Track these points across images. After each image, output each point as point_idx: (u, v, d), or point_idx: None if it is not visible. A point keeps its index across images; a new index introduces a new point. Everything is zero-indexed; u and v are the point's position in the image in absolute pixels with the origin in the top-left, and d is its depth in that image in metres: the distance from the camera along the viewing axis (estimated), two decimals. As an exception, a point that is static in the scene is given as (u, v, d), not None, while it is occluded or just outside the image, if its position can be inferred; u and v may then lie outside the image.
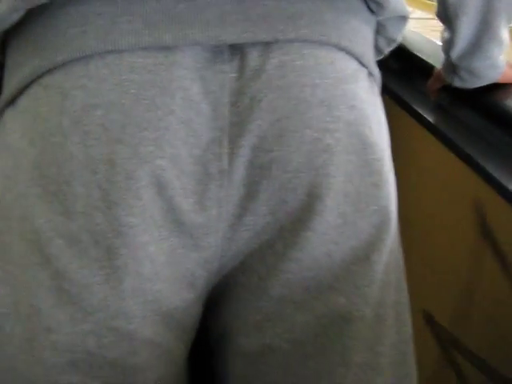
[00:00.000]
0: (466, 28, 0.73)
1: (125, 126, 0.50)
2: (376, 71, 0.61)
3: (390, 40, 0.66)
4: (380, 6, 0.59)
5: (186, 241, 0.54)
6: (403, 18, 0.63)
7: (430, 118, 0.89)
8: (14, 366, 0.55)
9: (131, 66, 0.50)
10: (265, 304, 0.58)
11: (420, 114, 0.91)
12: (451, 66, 0.81)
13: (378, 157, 0.57)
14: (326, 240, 0.56)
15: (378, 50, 0.65)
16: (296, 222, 0.55)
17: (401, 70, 1.03)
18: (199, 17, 0.51)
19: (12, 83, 0.54)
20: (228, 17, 0.51)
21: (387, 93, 0.97)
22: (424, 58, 0.98)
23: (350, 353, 0.58)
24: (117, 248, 0.52)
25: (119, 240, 0.52)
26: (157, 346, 0.57)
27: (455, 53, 0.77)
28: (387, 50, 0.68)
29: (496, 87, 0.81)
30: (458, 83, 0.82)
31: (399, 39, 0.66)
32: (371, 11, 0.60)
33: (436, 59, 0.90)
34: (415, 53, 1.02)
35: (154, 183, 0.51)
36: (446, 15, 0.75)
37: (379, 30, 0.63)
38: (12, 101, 0.54)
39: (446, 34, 0.78)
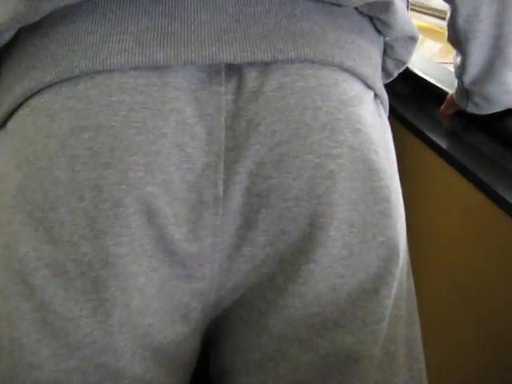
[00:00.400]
0: (478, 52, 0.70)
1: (114, 150, 0.47)
2: (383, 93, 0.58)
3: (399, 62, 0.63)
4: (387, 26, 0.56)
5: (179, 271, 0.51)
6: (412, 39, 0.60)
7: (443, 144, 0.87)
8: None
9: (122, 86, 0.47)
10: (266, 342, 0.55)
11: (432, 139, 0.89)
12: (464, 92, 0.78)
13: (385, 184, 0.53)
14: (331, 273, 0.52)
15: (386, 72, 0.63)
16: (297, 254, 0.52)
17: (411, 96, 1.01)
18: (194, 35, 0.48)
19: (3, 106, 0.52)
20: (225, 35, 0.49)
21: (397, 118, 0.95)
22: (435, 83, 0.96)
23: None
24: (104, 280, 0.49)
25: (107, 271, 0.49)
26: None
27: (468, 78, 0.74)
28: (396, 72, 0.65)
29: (510, 112, 0.78)
30: (471, 109, 0.79)
31: (408, 61, 0.63)
32: (378, 31, 0.57)
33: (447, 85, 0.88)
34: (426, 78, 0.99)
35: (144, 211, 0.48)
36: (457, 40, 0.72)
37: (387, 51, 0.60)
38: (3, 124, 0.52)
39: (458, 60, 0.75)
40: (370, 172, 0.52)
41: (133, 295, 0.50)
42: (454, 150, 0.86)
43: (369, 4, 0.54)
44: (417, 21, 1.55)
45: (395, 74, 0.65)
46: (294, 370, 0.54)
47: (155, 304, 0.52)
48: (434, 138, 0.89)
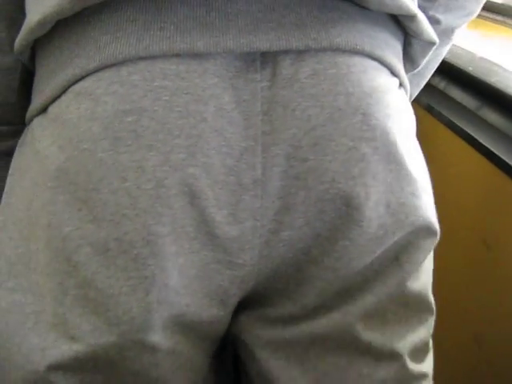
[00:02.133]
0: None
1: (156, 133, 0.49)
2: (406, 82, 0.61)
3: (413, 61, 0.65)
4: (409, 28, 0.59)
5: (220, 256, 0.53)
6: (430, 44, 0.62)
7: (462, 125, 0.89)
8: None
9: (164, 72, 0.49)
10: (298, 311, 0.58)
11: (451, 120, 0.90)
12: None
13: (416, 166, 0.56)
14: (365, 251, 0.55)
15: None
16: (334, 231, 0.54)
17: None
18: (231, 24, 0.50)
19: (44, 92, 0.53)
20: (261, 24, 0.51)
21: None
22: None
23: None
24: (144, 258, 0.51)
25: (147, 249, 0.50)
26: (178, 356, 0.56)
27: None
28: (408, 71, 0.67)
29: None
30: None
31: (420, 64, 0.66)
32: (400, 27, 0.59)
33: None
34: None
35: (186, 192, 0.50)
36: None
37: (405, 46, 0.62)
38: (43, 109, 0.53)
39: None
40: (401, 155, 0.55)
41: (171, 274, 0.52)
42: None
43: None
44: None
45: (407, 73, 0.67)
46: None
47: (194, 285, 0.53)
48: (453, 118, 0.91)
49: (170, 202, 0.50)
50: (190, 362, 0.58)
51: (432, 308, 0.62)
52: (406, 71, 0.66)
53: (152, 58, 0.49)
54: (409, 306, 0.59)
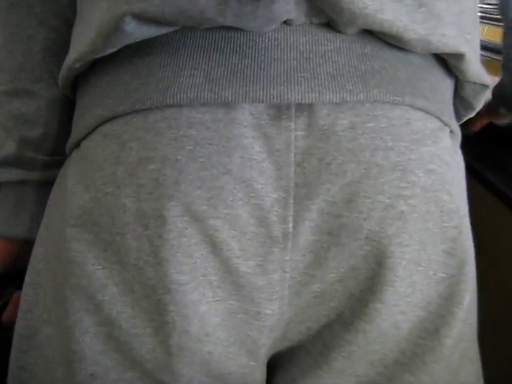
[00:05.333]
0: None
1: (178, 183, 0.48)
2: (457, 129, 0.56)
3: (467, 104, 0.59)
4: (458, 70, 0.54)
5: (248, 306, 0.52)
6: (483, 86, 0.57)
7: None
8: None
9: (189, 121, 0.48)
10: (324, 374, 0.55)
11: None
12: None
13: (456, 224, 0.52)
14: (395, 311, 0.52)
15: (456, 113, 0.59)
16: (365, 292, 0.51)
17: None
18: (263, 73, 0.48)
19: (78, 127, 0.54)
20: (294, 74, 0.48)
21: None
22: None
23: None
24: (166, 304, 0.50)
25: (168, 297, 0.50)
26: None
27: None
28: (464, 115, 0.61)
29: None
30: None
31: (477, 107, 0.60)
32: (450, 70, 0.55)
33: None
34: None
35: (208, 242, 0.49)
36: None
37: (457, 89, 0.57)
38: (77, 144, 0.54)
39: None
40: (441, 213, 0.51)
41: (192, 322, 0.51)
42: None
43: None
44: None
45: (463, 118, 0.62)
46: None
47: (218, 333, 0.52)
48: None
49: (191, 251, 0.49)
50: None
51: None
52: (461, 116, 0.61)
53: (179, 105, 0.48)
54: None
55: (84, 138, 0.53)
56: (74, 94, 0.58)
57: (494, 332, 0.78)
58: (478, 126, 0.93)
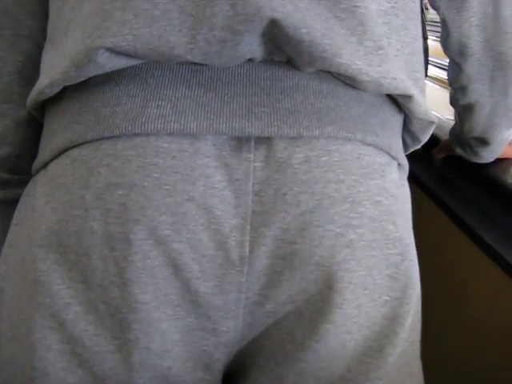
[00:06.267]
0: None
1: (145, 209, 0.50)
2: (405, 162, 0.60)
3: (415, 138, 0.64)
4: (407, 108, 0.59)
5: (205, 323, 0.55)
6: (430, 123, 0.62)
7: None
8: None
9: (156, 150, 0.51)
10: None
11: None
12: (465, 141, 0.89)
13: (399, 251, 0.56)
14: (343, 331, 0.55)
15: (403, 144, 0.64)
16: (316, 313, 0.55)
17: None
18: (226, 106, 0.51)
19: (46, 149, 0.56)
20: (255, 108, 0.51)
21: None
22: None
23: None
24: (129, 323, 0.53)
25: (132, 315, 0.52)
26: None
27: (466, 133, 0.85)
28: (411, 147, 0.66)
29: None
30: (461, 153, 0.92)
31: (423, 140, 0.65)
32: (399, 107, 0.59)
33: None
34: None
35: (170, 264, 0.52)
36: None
37: (406, 123, 0.62)
38: (45, 165, 0.56)
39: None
40: (386, 241, 0.55)
41: (154, 338, 0.53)
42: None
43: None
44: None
45: (410, 149, 0.67)
46: None
47: (177, 349, 0.55)
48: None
49: (154, 272, 0.52)
50: None
51: None
52: (409, 147, 0.65)
53: (146, 134, 0.51)
54: None
55: (52, 160, 0.54)
56: (42, 116, 0.60)
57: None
58: (441, 156, 1.05)
